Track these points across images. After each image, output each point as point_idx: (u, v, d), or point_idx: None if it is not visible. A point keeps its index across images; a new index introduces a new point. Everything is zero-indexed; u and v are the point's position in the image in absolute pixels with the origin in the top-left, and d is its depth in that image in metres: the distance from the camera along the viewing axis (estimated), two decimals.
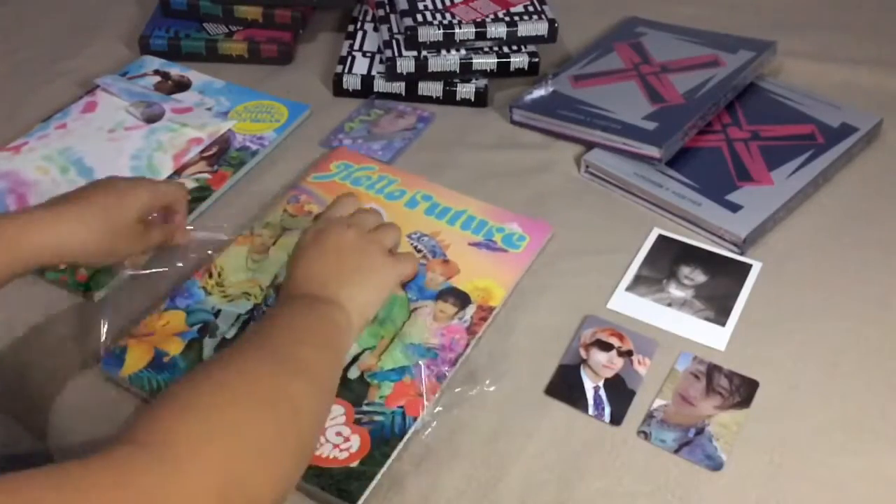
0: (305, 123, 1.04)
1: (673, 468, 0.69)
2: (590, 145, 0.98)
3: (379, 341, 0.76)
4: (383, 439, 0.69)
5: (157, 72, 1.10)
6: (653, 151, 0.93)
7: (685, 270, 0.85)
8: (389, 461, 0.68)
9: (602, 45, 1.11)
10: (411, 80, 1.06)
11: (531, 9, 1.07)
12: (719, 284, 0.83)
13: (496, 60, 1.05)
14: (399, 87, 1.06)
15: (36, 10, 1.25)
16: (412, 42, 1.04)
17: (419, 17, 1.05)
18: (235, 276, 0.82)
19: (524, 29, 1.04)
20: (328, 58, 1.14)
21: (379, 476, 0.67)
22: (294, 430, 0.59)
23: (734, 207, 0.88)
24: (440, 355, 0.75)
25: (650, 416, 0.72)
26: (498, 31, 1.04)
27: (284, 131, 1.02)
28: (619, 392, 0.74)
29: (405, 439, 0.69)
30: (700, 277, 0.84)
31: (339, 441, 0.69)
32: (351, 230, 0.74)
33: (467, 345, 0.76)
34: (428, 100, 1.07)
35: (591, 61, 1.08)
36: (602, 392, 0.74)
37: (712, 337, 0.78)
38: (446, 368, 0.74)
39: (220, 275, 0.83)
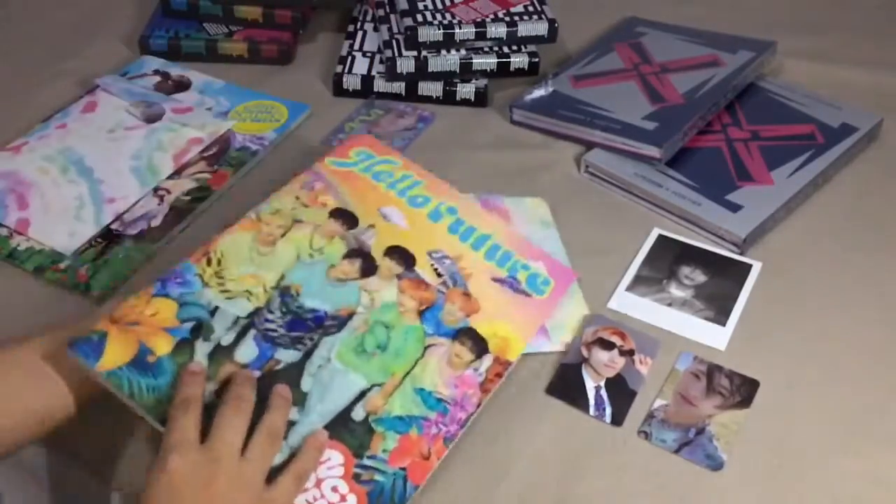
0: (305, 123, 1.04)
1: (673, 468, 0.69)
2: (590, 145, 0.98)
3: (389, 377, 0.69)
4: None
5: (157, 72, 1.10)
6: (653, 151, 0.93)
7: (685, 270, 0.85)
8: None
9: (602, 45, 1.11)
10: (411, 80, 1.06)
11: (531, 9, 1.07)
12: (719, 284, 0.83)
13: (496, 60, 1.05)
14: (399, 87, 1.06)
15: (36, 10, 1.25)
16: (412, 42, 1.04)
17: (419, 17, 1.05)
18: (237, 268, 0.72)
19: (524, 29, 1.04)
20: (328, 58, 1.14)
21: None
22: None
23: (734, 207, 0.88)
24: (451, 411, 0.68)
25: (651, 415, 0.72)
26: (498, 31, 1.04)
27: (284, 131, 1.02)
28: (621, 392, 0.74)
29: None
30: (700, 277, 0.84)
31: (335, 499, 0.63)
32: (217, 475, 0.58)
33: (479, 404, 0.70)
34: (428, 100, 1.07)
35: (591, 61, 1.08)
36: (603, 392, 0.74)
37: (712, 337, 0.78)
38: (454, 429, 0.68)
39: (219, 262, 0.72)
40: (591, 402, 0.73)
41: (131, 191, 0.93)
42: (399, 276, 0.75)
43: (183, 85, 1.08)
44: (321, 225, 0.77)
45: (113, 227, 0.89)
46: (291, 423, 0.64)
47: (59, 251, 0.86)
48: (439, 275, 0.76)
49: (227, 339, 0.68)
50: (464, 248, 0.79)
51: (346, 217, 0.79)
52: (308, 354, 0.69)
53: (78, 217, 0.89)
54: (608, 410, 0.72)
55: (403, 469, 0.65)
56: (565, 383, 0.74)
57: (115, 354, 0.64)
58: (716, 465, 0.69)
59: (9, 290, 0.83)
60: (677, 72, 1.04)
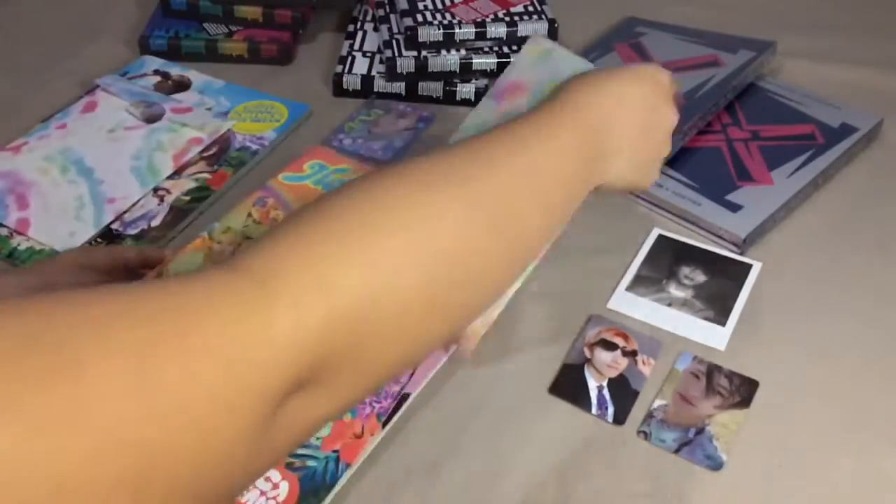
0: (305, 123, 1.04)
1: (673, 468, 0.69)
2: None
3: None
4: (313, 489, 0.65)
5: (157, 72, 1.10)
6: None
7: (685, 270, 0.85)
8: None
9: (602, 45, 1.11)
10: (411, 80, 1.06)
11: (531, 9, 1.07)
12: (719, 284, 0.83)
13: (496, 60, 1.05)
14: (399, 87, 1.06)
15: (36, 10, 1.25)
16: (412, 42, 1.04)
17: (419, 17, 1.05)
18: None
19: (524, 29, 1.04)
20: (328, 58, 1.14)
21: None
22: (460, 279, 0.51)
23: (734, 207, 0.88)
24: (384, 389, 0.70)
25: (650, 415, 0.72)
26: (498, 31, 1.04)
27: (284, 131, 1.02)
28: (623, 392, 0.74)
29: (336, 488, 0.65)
30: (700, 277, 0.84)
31: (267, 488, 0.64)
32: (675, 114, 0.70)
33: (412, 373, 0.71)
34: (428, 100, 1.07)
35: (590, 61, 1.08)
36: (606, 391, 0.74)
37: (712, 337, 0.78)
38: (388, 403, 0.69)
39: None
40: (594, 401, 0.73)
41: (131, 191, 0.93)
42: None
43: (183, 85, 1.08)
44: None
45: (113, 227, 0.89)
46: None
47: (59, 251, 0.86)
48: None
49: None
50: None
51: None
52: None
53: (78, 217, 0.90)
54: (610, 410, 0.72)
55: (336, 451, 0.67)
56: (568, 383, 0.75)
57: None
58: (715, 465, 0.69)
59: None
60: (677, 72, 1.03)
